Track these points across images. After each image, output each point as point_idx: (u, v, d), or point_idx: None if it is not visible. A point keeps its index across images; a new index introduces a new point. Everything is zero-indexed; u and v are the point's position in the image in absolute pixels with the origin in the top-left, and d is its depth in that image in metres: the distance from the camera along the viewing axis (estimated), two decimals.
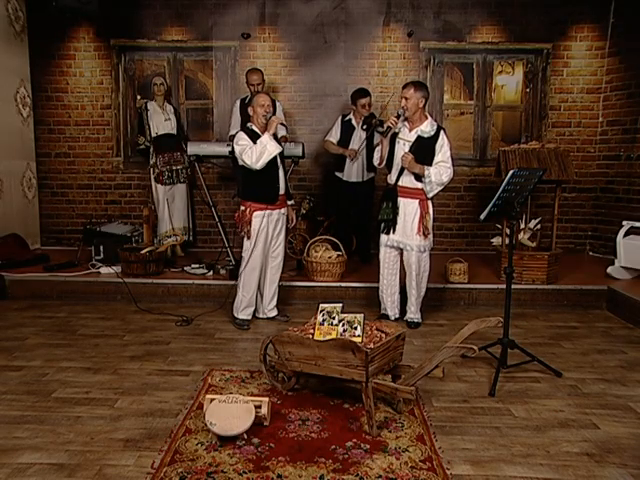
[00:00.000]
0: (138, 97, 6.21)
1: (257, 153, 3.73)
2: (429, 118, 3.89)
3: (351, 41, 5.96)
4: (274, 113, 5.31)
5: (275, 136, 3.95)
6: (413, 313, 4.08)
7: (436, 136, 3.81)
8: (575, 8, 5.85)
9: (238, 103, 5.36)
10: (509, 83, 6.20)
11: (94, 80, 6.12)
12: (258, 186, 3.90)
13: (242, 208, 3.95)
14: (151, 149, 5.52)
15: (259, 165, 3.76)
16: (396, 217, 3.89)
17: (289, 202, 4.14)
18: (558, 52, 5.95)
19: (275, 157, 3.86)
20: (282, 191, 3.98)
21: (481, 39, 5.96)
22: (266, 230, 3.95)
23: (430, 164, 3.78)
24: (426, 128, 3.83)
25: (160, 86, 5.50)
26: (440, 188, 3.85)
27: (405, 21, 5.94)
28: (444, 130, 3.87)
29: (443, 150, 3.80)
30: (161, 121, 5.52)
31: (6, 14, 5.51)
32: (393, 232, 3.93)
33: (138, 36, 6.02)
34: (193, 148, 4.83)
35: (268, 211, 3.93)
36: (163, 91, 5.54)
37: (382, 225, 3.98)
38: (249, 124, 3.93)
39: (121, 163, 6.24)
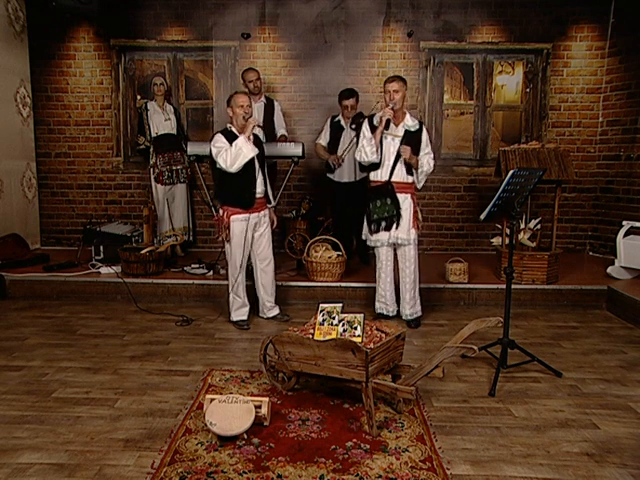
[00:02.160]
0: (138, 97, 6.21)
1: (232, 156, 3.68)
2: (407, 112, 3.99)
3: (351, 41, 5.96)
4: (272, 113, 5.35)
5: (257, 138, 3.92)
6: (413, 307, 4.06)
7: (420, 129, 3.95)
8: (575, 8, 5.85)
9: None
10: (509, 83, 6.20)
11: (94, 80, 6.12)
12: (234, 190, 3.85)
13: (220, 212, 3.93)
14: (151, 149, 5.52)
15: (234, 168, 3.72)
16: (400, 212, 3.89)
17: (270, 205, 4.09)
18: (558, 52, 5.96)
19: (252, 160, 3.80)
20: (260, 195, 3.93)
21: (481, 39, 5.96)
22: (245, 234, 3.90)
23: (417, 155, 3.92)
24: (410, 122, 3.93)
25: (160, 86, 5.50)
26: (426, 178, 4.03)
27: (405, 21, 5.94)
28: (424, 123, 4.10)
29: (428, 142, 3.98)
30: (161, 121, 5.52)
31: (6, 14, 5.52)
32: (396, 228, 3.92)
33: (138, 36, 6.02)
34: (193, 148, 4.83)
35: (245, 215, 3.88)
36: (163, 91, 5.54)
37: (382, 223, 3.94)
38: (228, 125, 3.89)
39: (121, 163, 6.24)
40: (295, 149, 4.89)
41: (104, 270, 4.87)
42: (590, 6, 5.84)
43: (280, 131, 5.34)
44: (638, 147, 5.60)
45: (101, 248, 5.15)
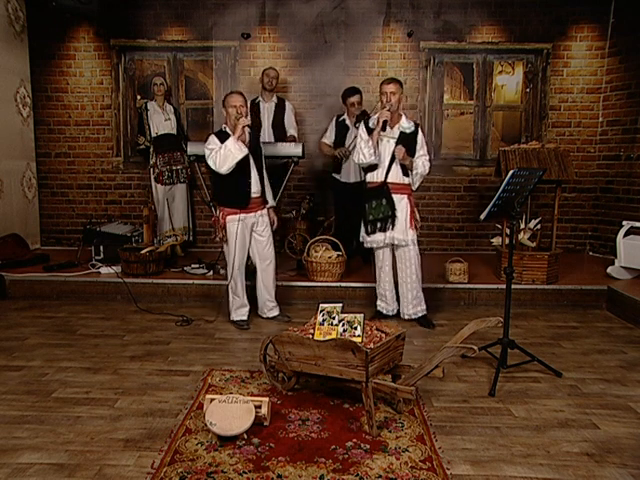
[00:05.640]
0: (138, 97, 6.21)
1: (221, 157, 3.68)
2: (403, 115, 3.96)
3: (351, 41, 5.96)
4: (283, 114, 5.36)
5: (255, 138, 3.90)
6: (417, 306, 4.08)
7: (416, 131, 3.93)
8: (575, 8, 5.85)
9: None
10: (509, 83, 6.20)
11: (94, 80, 6.12)
12: (228, 190, 3.85)
13: (218, 212, 3.93)
14: (151, 149, 5.53)
15: (224, 170, 3.71)
16: (395, 213, 3.90)
17: (269, 204, 4.07)
18: (558, 52, 5.96)
19: (247, 160, 3.79)
20: (256, 194, 3.92)
21: (481, 39, 5.96)
22: (242, 235, 3.90)
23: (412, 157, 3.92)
24: (405, 124, 3.92)
25: (160, 86, 5.51)
26: (422, 180, 4.00)
27: (405, 21, 5.94)
28: (420, 125, 4.04)
29: (423, 144, 3.96)
30: (161, 121, 5.52)
31: (6, 14, 5.51)
32: (392, 229, 3.93)
33: (138, 36, 6.02)
34: (193, 148, 4.83)
35: (242, 215, 3.87)
36: (163, 91, 5.54)
37: (378, 224, 3.95)
38: (223, 126, 3.88)
39: (121, 163, 6.24)
40: (295, 149, 4.89)
41: (104, 270, 4.87)
42: (590, 6, 5.83)
43: (290, 131, 5.36)
44: (638, 147, 5.60)
45: (101, 248, 5.14)
